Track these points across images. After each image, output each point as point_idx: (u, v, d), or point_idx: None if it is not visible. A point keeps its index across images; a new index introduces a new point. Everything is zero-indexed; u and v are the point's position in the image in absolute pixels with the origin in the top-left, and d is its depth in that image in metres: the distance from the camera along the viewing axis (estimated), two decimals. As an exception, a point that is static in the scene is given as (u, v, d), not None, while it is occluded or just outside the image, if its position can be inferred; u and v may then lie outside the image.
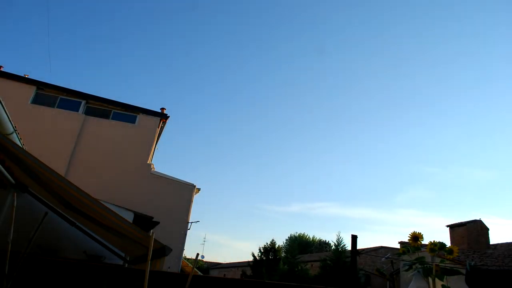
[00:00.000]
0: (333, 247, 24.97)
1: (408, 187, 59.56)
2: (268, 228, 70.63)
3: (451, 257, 2.73)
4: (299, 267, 24.62)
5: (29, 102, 13.83)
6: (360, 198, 64.75)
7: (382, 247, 28.68)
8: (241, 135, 64.03)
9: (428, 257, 2.85)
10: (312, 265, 28.32)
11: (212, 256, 76.53)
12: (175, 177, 14.59)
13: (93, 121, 14.49)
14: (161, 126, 15.79)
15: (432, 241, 2.76)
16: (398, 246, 22.35)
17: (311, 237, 48.58)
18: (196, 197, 15.03)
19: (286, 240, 45.51)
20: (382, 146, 55.26)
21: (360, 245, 29.96)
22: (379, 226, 62.70)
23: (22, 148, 3.75)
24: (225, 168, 65.98)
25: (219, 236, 71.03)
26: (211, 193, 77.55)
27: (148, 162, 14.42)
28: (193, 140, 60.97)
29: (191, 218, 14.50)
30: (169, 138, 57.91)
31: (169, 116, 15.56)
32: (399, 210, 56.90)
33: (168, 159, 50.42)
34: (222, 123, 59.73)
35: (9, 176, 4.76)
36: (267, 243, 30.58)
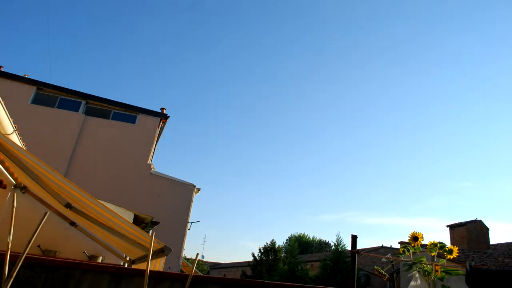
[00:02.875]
0: (333, 247, 24.96)
1: (436, 197, 58.97)
2: (270, 228, 70.59)
3: (451, 257, 2.73)
4: (299, 267, 24.58)
5: (29, 102, 13.82)
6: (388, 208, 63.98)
7: (382, 247, 28.68)
8: (241, 135, 64.05)
9: (428, 257, 2.85)
10: (312, 265, 28.31)
11: (212, 256, 76.55)
12: (175, 177, 14.59)
13: (93, 121, 14.48)
14: (161, 126, 15.79)
15: (432, 241, 2.76)
16: (398, 246, 22.35)
17: (311, 237, 48.56)
18: (196, 197, 15.03)
19: (286, 240, 45.52)
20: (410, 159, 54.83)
21: (360, 245, 29.98)
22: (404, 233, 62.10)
23: (22, 148, 3.74)
24: (226, 168, 66.01)
25: (221, 235, 71.05)
26: (211, 193, 77.59)
27: (148, 162, 14.42)
28: (193, 140, 61.04)
29: (191, 218, 14.51)
30: (169, 138, 57.94)
31: (169, 116, 15.57)
32: (422, 218, 56.36)
33: (168, 159, 50.47)
34: (222, 122, 59.77)
35: (9, 176, 4.76)
36: (267, 243, 30.62)
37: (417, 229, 2.81)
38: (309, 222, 65.12)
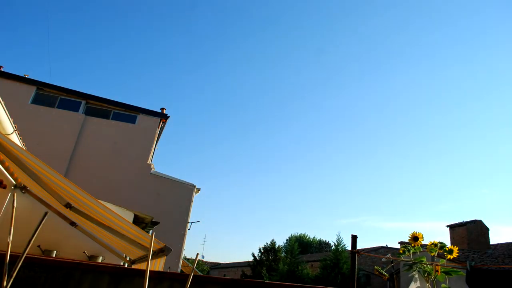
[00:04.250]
0: (333, 247, 24.98)
1: (451, 203, 58.64)
2: (269, 228, 70.46)
3: (451, 257, 2.73)
4: (299, 267, 24.59)
5: (29, 102, 13.82)
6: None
7: (382, 247, 28.67)
8: (245, 135, 64.04)
9: (428, 257, 2.85)
10: (312, 265, 28.31)
11: (212, 256, 76.57)
12: (175, 177, 14.59)
13: (93, 121, 14.48)
14: (161, 126, 15.78)
15: (432, 241, 2.76)
16: (398, 246, 22.34)
17: (311, 237, 48.54)
18: (196, 197, 15.04)
19: (286, 240, 45.50)
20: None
21: (360, 245, 29.94)
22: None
23: (22, 148, 3.74)
24: (226, 168, 66.01)
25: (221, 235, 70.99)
26: (211, 193, 77.56)
27: (148, 162, 14.42)
28: (194, 140, 61.04)
29: (191, 218, 14.51)
30: (169, 138, 57.94)
31: (169, 116, 15.56)
32: (434, 222, 56.10)
33: (168, 159, 50.48)
34: (224, 121, 59.76)
35: (9, 176, 4.76)
36: (267, 243, 30.63)
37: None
38: (326, 226, 64.85)
